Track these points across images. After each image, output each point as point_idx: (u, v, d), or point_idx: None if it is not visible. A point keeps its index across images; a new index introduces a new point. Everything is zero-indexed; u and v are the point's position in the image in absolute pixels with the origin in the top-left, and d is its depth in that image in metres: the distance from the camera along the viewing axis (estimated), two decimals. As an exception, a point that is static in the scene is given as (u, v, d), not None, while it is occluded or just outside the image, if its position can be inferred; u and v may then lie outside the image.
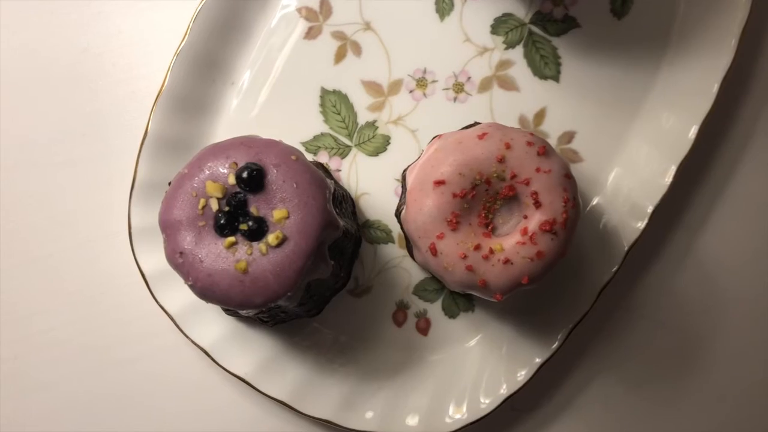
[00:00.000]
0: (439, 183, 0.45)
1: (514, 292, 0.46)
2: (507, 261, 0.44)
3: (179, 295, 0.55)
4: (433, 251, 0.45)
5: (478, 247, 0.45)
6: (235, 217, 0.44)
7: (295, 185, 0.44)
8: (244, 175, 0.44)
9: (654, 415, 0.60)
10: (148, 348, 0.59)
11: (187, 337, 0.55)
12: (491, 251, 0.44)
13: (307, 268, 0.44)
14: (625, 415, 0.60)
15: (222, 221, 0.44)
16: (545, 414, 0.60)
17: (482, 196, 0.45)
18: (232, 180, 0.44)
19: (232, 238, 0.44)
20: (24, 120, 0.60)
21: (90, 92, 0.60)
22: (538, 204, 0.44)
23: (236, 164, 0.44)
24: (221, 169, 0.44)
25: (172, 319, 0.55)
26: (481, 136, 0.45)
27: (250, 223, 0.44)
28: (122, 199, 0.56)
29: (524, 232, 0.45)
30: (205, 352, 0.55)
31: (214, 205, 0.44)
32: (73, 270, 0.59)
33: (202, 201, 0.44)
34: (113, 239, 0.58)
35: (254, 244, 0.44)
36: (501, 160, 0.44)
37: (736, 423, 0.60)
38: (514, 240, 0.45)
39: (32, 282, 0.59)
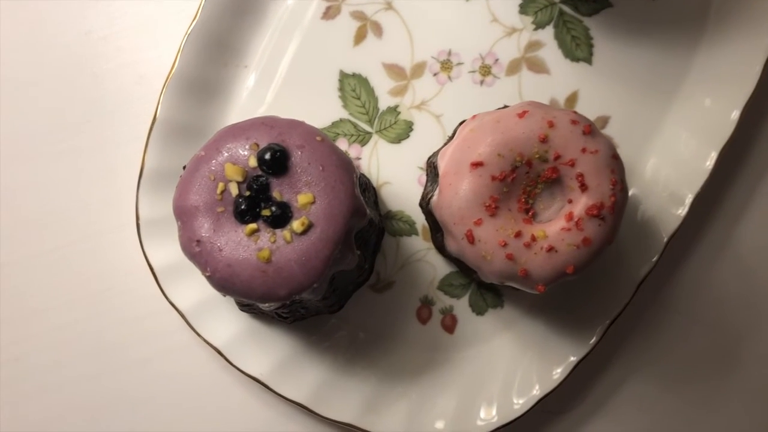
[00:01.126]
0: (477, 165, 0.41)
1: (557, 284, 0.42)
2: (551, 249, 0.41)
3: (191, 291, 0.52)
4: (470, 239, 0.41)
5: (519, 234, 0.41)
6: (257, 202, 0.41)
7: (321, 168, 0.41)
8: (267, 156, 0.40)
9: (691, 417, 0.57)
10: (157, 348, 0.55)
11: (198, 335, 0.52)
12: (533, 238, 0.41)
13: (334, 258, 0.41)
14: (662, 416, 0.57)
15: (243, 207, 0.40)
16: (577, 416, 0.57)
17: (522, 179, 0.42)
18: (253, 162, 0.41)
19: (253, 225, 0.40)
20: (23, 107, 0.56)
21: (93, 77, 0.57)
22: (584, 187, 0.41)
23: (257, 145, 0.41)
24: (241, 151, 0.41)
25: (183, 316, 0.52)
26: (521, 115, 0.42)
27: (273, 209, 0.40)
28: (129, 190, 0.53)
29: (569, 217, 0.41)
30: (219, 352, 0.52)
31: (234, 190, 0.41)
32: (77, 266, 0.55)
33: (220, 185, 0.41)
34: (120, 232, 0.55)
35: (278, 231, 0.40)
36: (544, 140, 0.41)
37: (778, 424, 0.57)
38: (558, 226, 0.41)
39: (34, 279, 0.55)
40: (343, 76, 0.55)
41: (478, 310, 0.54)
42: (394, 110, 0.55)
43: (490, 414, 0.52)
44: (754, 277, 0.56)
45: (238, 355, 0.52)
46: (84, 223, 0.55)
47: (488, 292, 0.54)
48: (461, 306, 0.54)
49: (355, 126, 0.55)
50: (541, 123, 0.41)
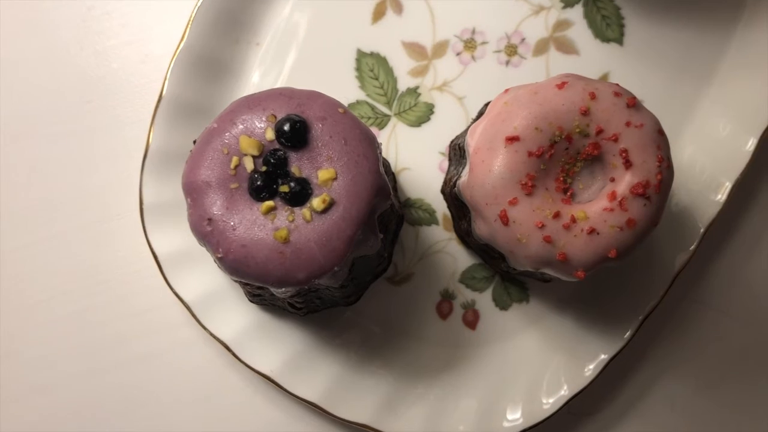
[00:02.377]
0: (512, 139, 0.38)
1: (598, 270, 0.39)
2: (592, 231, 0.38)
3: (197, 281, 0.49)
4: (504, 220, 0.38)
5: (557, 215, 0.38)
6: (274, 178, 0.37)
7: (343, 142, 0.37)
8: (286, 128, 0.37)
9: (726, 419, 0.53)
10: (162, 343, 0.52)
11: (205, 329, 0.48)
12: (573, 219, 0.38)
13: (357, 239, 0.37)
14: (695, 418, 0.53)
15: (258, 182, 0.37)
16: (606, 418, 0.53)
17: (561, 155, 0.39)
18: (270, 135, 0.37)
19: (270, 203, 0.37)
20: (21, 87, 0.53)
21: (96, 55, 0.54)
22: (628, 164, 0.38)
23: (275, 117, 0.38)
24: (257, 123, 0.38)
25: (188, 308, 0.48)
26: (561, 86, 0.39)
27: (292, 185, 0.37)
28: (133, 174, 0.50)
29: (612, 196, 0.38)
30: (226, 347, 0.48)
31: (249, 165, 0.37)
32: (77, 254, 0.52)
33: (234, 159, 0.37)
34: (123, 219, 0.51)
35: (296, 209, 0.37)
36: (585, 113, 0.38)
37: (818, 428, 0.53)
38: (600, 206, 0.38)
39: (31, 268, 0.52)
40: (361, 55, 0.52)
41: (502, 304, 0.51)
42: (414, 92, 0.52)
43: (515, 415, 0.49)
44: (793, 272, 0.53)
45: (247, 350, 0.48)
46: (84, 209, 0.52)
47: (513, 285, 0.51)
48: (484, 300, 0.51)
49: (372, 108, 0.52)
50: (583, 94, 0.38)
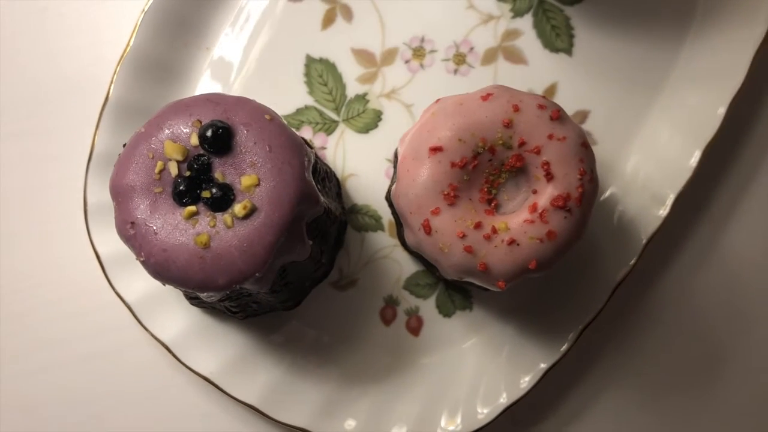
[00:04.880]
0: (436, 150, 0.38)
1: (520, 280, 0.39)
2: (512, 242, 0.38)
3: (141, 283, 0.49)
4: (427, 229, 0.38)
5: (479, 226, 0.38)
6: (197, 183, 0.38)
7: (267, 148, 0.38)
8: (208, 134, 0.37)
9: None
10: (105, 343, 0.52)
11: (146, 330, 0.49)
12: (494, 230, 0.38)
13: (279, 245, 0.38)
14: (639, 431, 0.53)
15: (181, 188, 0.37)
16: (549, 428, 0.53)
17: (485, 167, 0.39)
18: (194, 140, 0.38)
19: (192, 208, 0.37)
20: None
21: (48, 57, 0.54)
22: (549, 176, 0.38)
23: (200, 122, 0.38)
24: (183, 128, 0.38)
25: (129, 308, 0.49)
26: (486, 98, 0.39)
27: (214, 191, 0.37)
28: (79, 175, 0.50)
29: (533, 208, 0.38)
30: (166, 347, 0.48)
31: (174, 170, 0.38)
32: (21, 255, 0.52)
33: (159, 164, 0.38)
34: (68, 220, 0.52)
35: (218, 215, 0.37)
36: (508, 125, 0.38)
37: (762, 442, 0.53)
38: (522, 218, 0.38)
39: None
40: (310, 61, 0.52)
41: (446, 311, 0.51)
42: (362, 98, 0.52)
43: (454, 422, 0.49)
44: (739, 286, 0.53)
45: (187, 351, 0.49)
46: (30, 210, 0.52)
47: (456, 293, 0.51)
48: (428, 307, 0.51)
49: (321, 114, 0.52)
50: (506, 107, 0.38)
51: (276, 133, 0.38)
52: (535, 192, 0.39)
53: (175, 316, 0.49)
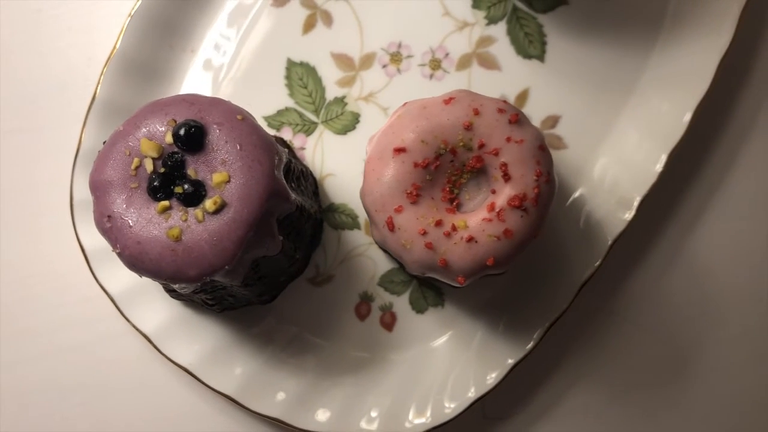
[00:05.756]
0: (399, 151, 0.40)
1: (479, 276, 0.41)
2: (471, 239, 0.40)
3: (124, 276, 0.51)
4: (390, 226, 0.40)
5: (439, 223, 0.40)
6: (171, 179, 0.40)
7: (238, 147, 0.40)
8: (181, 132, 0.39)
9: (637, 428, 0.55)
10: (89, 335, 0.54)
11: (127, 320, 0.50)
12: (454, 228, 0.40)
13: (248, 240, 0.39)
14: (606, 426, 0.55)
15: (155, 183, 0.39)
16: (519, 423, 0.55)
17: (447, 167, 0.41)
18: (169, 138, 0.40)
19: (165, 203, 0.39)
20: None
21: (41, 57, 0.56)
22: (507, 177, 0.40)
23: (175, 121, 0.40)
24: (159, 127, 0.40)
25: (112, 300, 0.50)
26: (448, 101, 0.41)
27: (186, 187, 0.39)
28: (67, 172, 0.52)
29: (491, 207, 0.40)
30: (147, 338, 0.50)
31: (149, 166, 0.40)
32: (8, 248, 0.54)
33: (135, 161, 0.40)
34: (56, 215, 0.54)
35: (190, 209, 0.39)
36: (468, 128, 0.40)
37: (727, 440, 0.55)
38: (480, 216, 0.40)
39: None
40: (291, 65, 0.54)
41: (419, 308, 0.53)
42: (341, 101, 0.54)
43: (424, 415, 0.51)
44: (704, 288, 0.55)
45: (167, 342, 0.51)
46: (18, 206, 0.54)
47: (429, 290, 0.53)
48: (401, 303, 0.53)
49: (300, 115, 0.54)
50: (467, 110, 0.40)
51: (247, 133, 0.40)
52: (493, 192, 0.40)
53: (156, 308, 0.51)
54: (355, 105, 0.54)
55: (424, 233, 0.40)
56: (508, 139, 0.40)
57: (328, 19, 0.54)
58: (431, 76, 0.54)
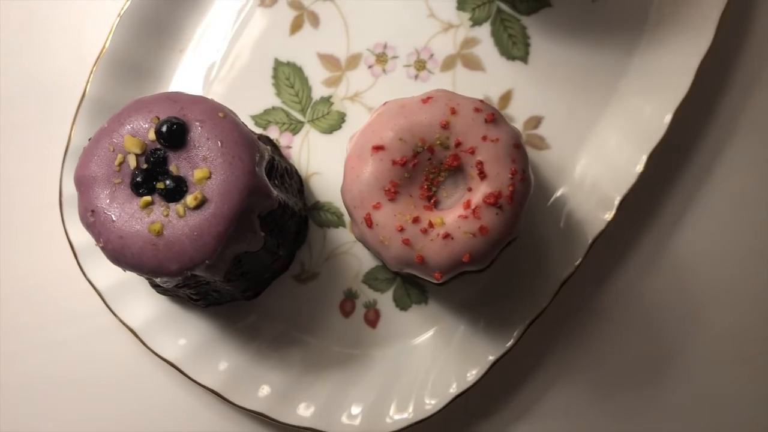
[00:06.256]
0: (378, 148, 0.41)
1: (456, 272, 0.42)
2: (447, 236, 0.40)
3: (112, 272, 0.52)
4: (369, 222, 0.41)
5: (416, 220, 0.41)
6: (154, 175, 0.40)
7: (220, 144, 0.40)
8: (164, 129, 0.40)
9: (619, 428, 0.55)
10: (79, 329, 0.55)
11: (115, 315, 0.51)
12: (431, 224, 0.41)
13: (228, 235, 0.40)
14: (588, 425, 0.55)
15: (138, 179, 0.40)
16: (501, 420, 0.55)
17: (425, 165, 0.41)
18: (152, 135, 0.41)
19: (148, 198, 0.40)
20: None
21: (35, 56, 0.57)
22: (483, 175, 0.41)
23: (158, 119, 0.41)
24: (143, 124, 0.41)
25: (100, 295, 0.51)
26: (426, 101, 0.41)
27: (168, 182, 0.40)
28: (58, 168, 0.53)
29: (467, 205, 0.41)
30: (134, 333, 0.51)
31: (132, 162, 0.41)
32: (1, 243, 0.55)
33: (119, 157, 0.41)
34: (47, 210, 0.54)
35: (171, 205, 0.40)
36: (445, 126, 0.41)
37: (708, 439, 0.55)
38: (456, 214, 0.41)
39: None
40: (278, 65, 0.55)
41: (402, 305, 0.53)
42: (327, 101, 0.54)
43: (406, 410, 0.51)
44: (686, 288, 0.55)
45: (154, 337, 0.51)
46: (8, 202, 0.55)
47: (413, 287, 0.54)
48: (385, 300, 0.54)
49: (287, 114, 0.54)
50: (444, 109, 0.41)
51: (228, 130, 0.41)
52: (470, 190, 0.41)
53: (143, 303, 0.52)
54: (341, 105, 0.54)
55: (402, 230, 0.41)
56: (484, 138, 0.41)
57: (315, 20, 0.55)
58: (416, 77, 0.54)
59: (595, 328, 0.55)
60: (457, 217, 0.41)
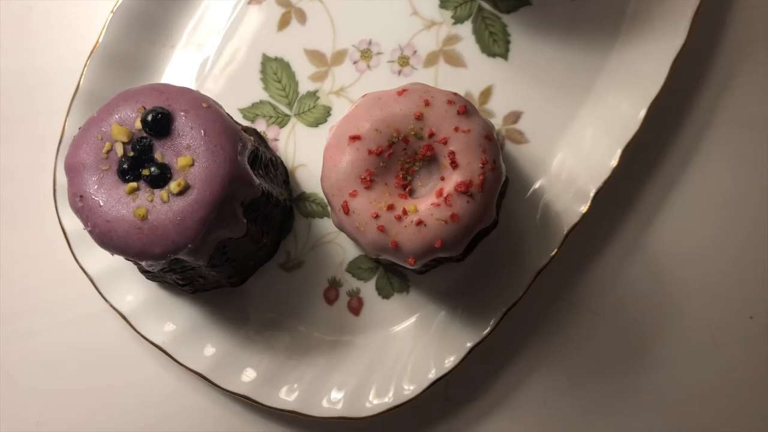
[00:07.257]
0: (355, 138, 0.43)
1: (429, 258, 0.43)
2: (420, 222, 0.42)
3: (104, 259, 0.54)
4: (346, 210, 0.43)
5: (391, 207, 0.42)
6: (140, 162, 0.42)
7: (203, 133, 0.42)
8: (149, 118, 0.42)
9: (596, 416, 0.57)
10: (71, 314, 0.57)
11: (106, 300, 0.53)
12: (405, 212, 0.42)
13: (210, 221, 0.42)
14: (564, 413, 0.57)
15: (125, 166, 0.42)
16: (480, 407, 0.57)
17: (400, 155, 0.43)
18: (139, 125, 0.42)
19: (133, 184, 0.42)
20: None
21: (33, 51, 0.59)
22: (454, 164, 0.42)
23: (144, 108, 0.43)
24: (130, 114, 0.43)
25: (91, 280, 0.53)
26: (401, 93, 0.43)
27: (153, 169, 0.42)
28: (51, 159, 0.55)
29: (439, 193, 0.42)
30: (124, 317, 0.53)
31: (119, 150, 0.42)
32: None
33: (107, 145, 0.43)
34: (41, 199, 0.56)
35: (156, 191, 0.42)
36: (419, 118, 0.42)
37: (683, 427, 0.57)
38: (429, 201, 0.43)
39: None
40: (266, 60, 0.56)
41: (385, 293, 0.55)
42: (313, 95, 0.56)
43: (385, 395, 0.53)
44: (662, 279, 0.57)
45: (142, 322, 0.53)
46: (4, 191, 0.57)
47: (395, 276, 0.55)
48: (368, 289, 0.55)
49: (274, 108, 0.56)
50: (418, 101, 0.43)
51: (211, 120, 0.43)
52: (442, 179, 0.43)
53: (133, 289, 0.54)
54: (327, 99, 0.56)
55: (377, 216, 0.42)
56: (456, 129, 0.42)
57: (302, 16, 0.57)
58: (399, 72, 0.56)
59: (574, 317, 0.57)
60: (429, 204, 0.42)
